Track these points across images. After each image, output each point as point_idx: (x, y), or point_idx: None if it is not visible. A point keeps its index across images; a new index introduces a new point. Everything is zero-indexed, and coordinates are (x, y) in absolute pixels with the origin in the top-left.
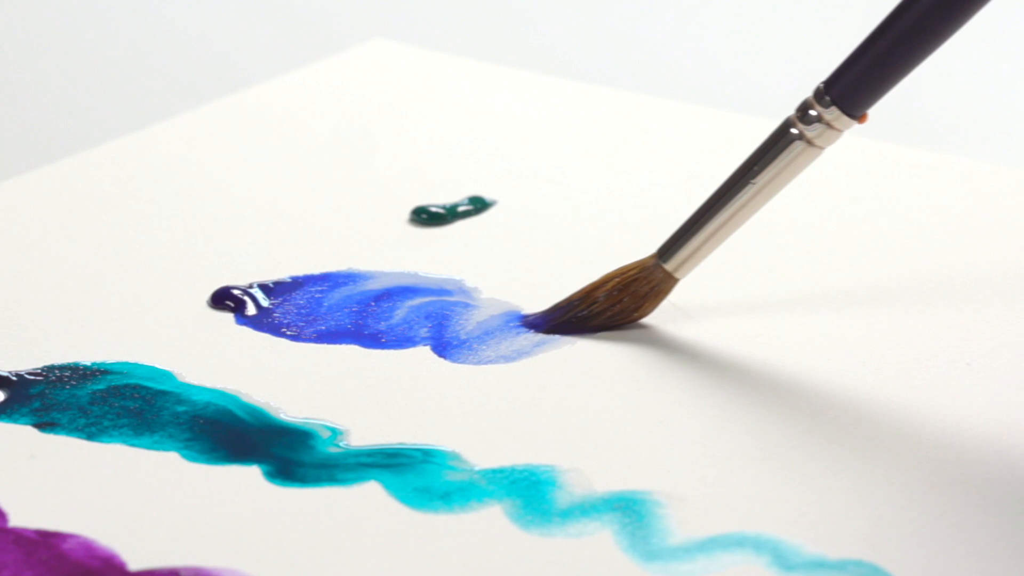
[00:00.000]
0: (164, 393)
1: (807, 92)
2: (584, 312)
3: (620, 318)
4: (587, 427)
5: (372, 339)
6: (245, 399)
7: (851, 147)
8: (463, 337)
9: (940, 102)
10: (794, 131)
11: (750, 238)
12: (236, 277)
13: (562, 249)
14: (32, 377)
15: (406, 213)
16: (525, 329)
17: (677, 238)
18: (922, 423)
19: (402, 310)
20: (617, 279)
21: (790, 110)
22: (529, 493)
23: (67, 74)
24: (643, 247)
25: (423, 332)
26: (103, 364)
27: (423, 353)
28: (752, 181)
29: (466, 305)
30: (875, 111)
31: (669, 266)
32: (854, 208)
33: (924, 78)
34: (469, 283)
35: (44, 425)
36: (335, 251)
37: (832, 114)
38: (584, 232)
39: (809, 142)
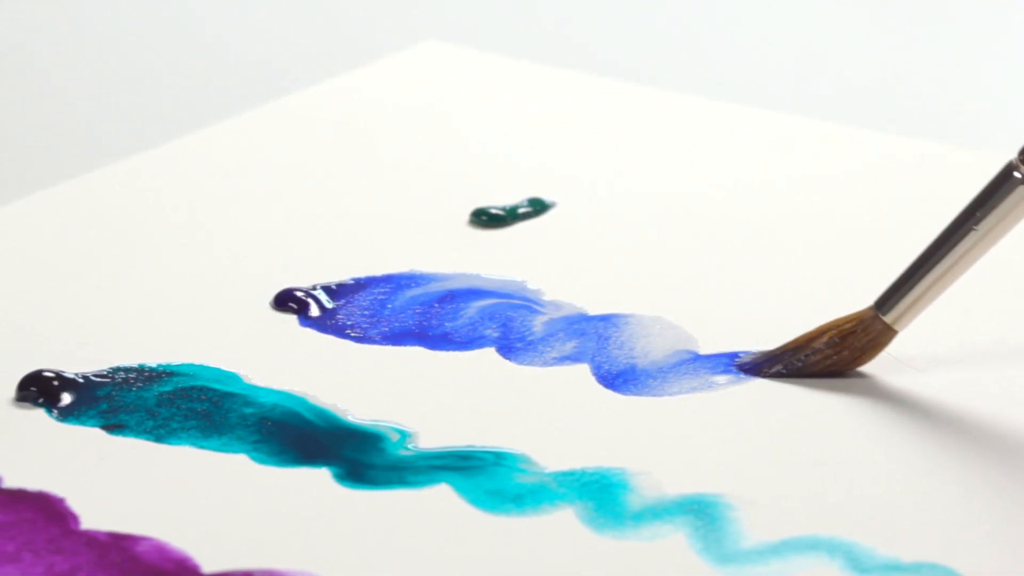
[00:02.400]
0: (231, 395)
1: (864, 94)
2: (800, 362)
3: (837, 369)
4: (657, 429)
5: (438, 340)
6: (312, 401)
7: None
8: (529, 339)
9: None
10: (1017, 175)
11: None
12: (298, 279)
13: (624, 250)
14: (98, 379)
15: (465, 215)
16: (735, 371)
17: (896, 288)
18: (996, 424)
19: (468, 310)
20: (834, 331)
21: (844, 113)
22: (601, 496)
23: (131, 76)
24: (704, 247)
25: (489, 333)
26: (169, 366)
27: (488, 355)
28: (974, 228)
29: (529, 307)
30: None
31: (889, 318)
32: None
33: None
34: (531, 284)
35: (112, 427)
36: (396, 253)
37: None
38: (644, 233)
39: None
